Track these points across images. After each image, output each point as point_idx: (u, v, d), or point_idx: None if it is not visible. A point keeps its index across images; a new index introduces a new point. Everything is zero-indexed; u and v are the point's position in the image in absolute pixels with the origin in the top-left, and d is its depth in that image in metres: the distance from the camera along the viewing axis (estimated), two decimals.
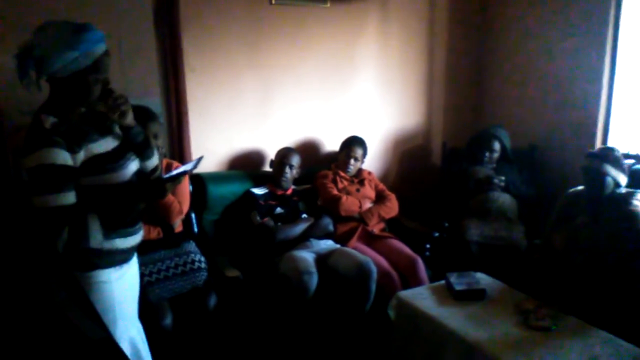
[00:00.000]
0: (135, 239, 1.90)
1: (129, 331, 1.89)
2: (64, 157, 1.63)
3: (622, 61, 3.35)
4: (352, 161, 3.41)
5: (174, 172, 1.94)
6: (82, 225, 1.67)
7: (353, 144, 3.44)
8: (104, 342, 1.79)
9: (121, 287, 1.84)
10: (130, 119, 1.83)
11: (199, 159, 2.01)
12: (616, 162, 2.63)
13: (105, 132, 1.81)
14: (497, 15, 4.08)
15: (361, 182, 3.45)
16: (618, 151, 2.68)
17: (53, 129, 1.65)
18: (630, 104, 3.36)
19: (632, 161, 3.13)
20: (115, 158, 1.79)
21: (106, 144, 1.78)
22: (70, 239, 1.64)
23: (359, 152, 3.43)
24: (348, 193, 3.34)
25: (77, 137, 1.69)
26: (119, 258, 1.83)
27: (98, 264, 1.75)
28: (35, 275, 2.14)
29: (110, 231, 1.76)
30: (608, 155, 2.64)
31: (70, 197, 1.65)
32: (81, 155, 1.69)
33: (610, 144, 3.42)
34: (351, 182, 3.42)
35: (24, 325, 2.47)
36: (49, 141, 1.62)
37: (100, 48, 1.72)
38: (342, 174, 3.41)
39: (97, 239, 1.72)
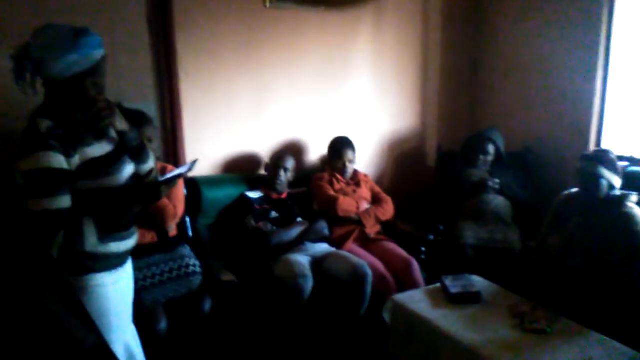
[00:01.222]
0: (130, 243, 1.89)
1: (124, 336, 1.88)
2: (59, 161, 1.63)
3: (615, 64, 3.36)
4: (347, 164, 3.40)
5: (169, 175, 1.94)
6: (78, 228, 1.67)
7: (344, 147, 3.41)
8: (98, 348, 1.78)
9: (116, 292, 1.83)
10: (119, 125, 1.81)
11: (194, 162, 2.00)
12: (610, 165, 2.64)
13: (101, 136, 1.80)
14: (491, 19, 4.09)
15: (357, 184, 3.44)
16: (612, 153, 2.69)
17: (49, 132, 1.64)
18: (624, 106, 3.38)
19: (626, 163, 3.14)
20: (111, 162, 1.78)
21: (101, 148, 1.77)
22: (65, 242, 1.64)
23: (351, 154, 3.42)
24: (345, 194, 3.34)
25: (72, 140, 1.68)
26: (114, 262, 1.82)
27: (93, 267, 1.75)
28: (28, 280, 2.12)
29: (106, 234, 1.75)
30: (602, 158, 2.65)
31: (65, 201, 1.65)
32: (76, 159, 1.68)
33: (604, 146, 3.44)
34: (347, 184, 3.42)
35: (16, 333, 2.44)
36: (45, 145, 1.61)
37: (99, 52, 1.72)
38: (338, 176, 3.41)
39: (92, 242, 1.71)
